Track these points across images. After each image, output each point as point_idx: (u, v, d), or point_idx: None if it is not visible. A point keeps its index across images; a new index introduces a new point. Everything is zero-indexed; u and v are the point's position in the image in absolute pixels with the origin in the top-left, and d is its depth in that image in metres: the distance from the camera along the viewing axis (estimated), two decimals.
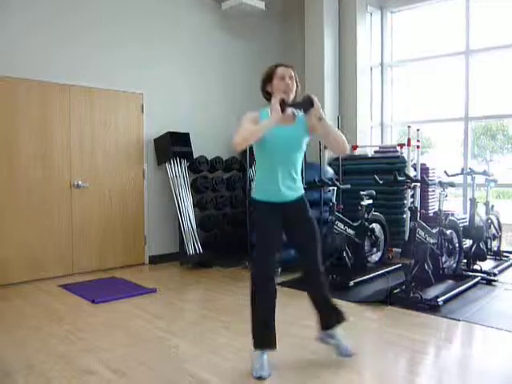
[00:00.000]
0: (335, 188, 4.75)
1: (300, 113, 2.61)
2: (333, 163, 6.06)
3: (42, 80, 4.85)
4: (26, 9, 4.72)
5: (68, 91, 5.06)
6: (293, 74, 2.66)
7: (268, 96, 2.70)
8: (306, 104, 2.51)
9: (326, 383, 2.50)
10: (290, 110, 2.60)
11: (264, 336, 2.61)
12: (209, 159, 6.00)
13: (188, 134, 5.78)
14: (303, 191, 2.75)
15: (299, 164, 2.70)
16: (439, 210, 4.44)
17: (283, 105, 2.51)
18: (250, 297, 2.63)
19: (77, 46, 5.09)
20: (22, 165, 4.77)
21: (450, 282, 4.41)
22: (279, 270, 4.97)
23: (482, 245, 4.95)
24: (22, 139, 4.77)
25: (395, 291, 3.90)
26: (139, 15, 5.60)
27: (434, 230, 4.36)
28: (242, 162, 6.26)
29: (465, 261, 4.84)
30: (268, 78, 2.68)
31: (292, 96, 2.63)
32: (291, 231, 2.75)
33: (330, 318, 2.77)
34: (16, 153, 4.73)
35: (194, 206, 5.80)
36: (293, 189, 2.67)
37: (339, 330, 2.77)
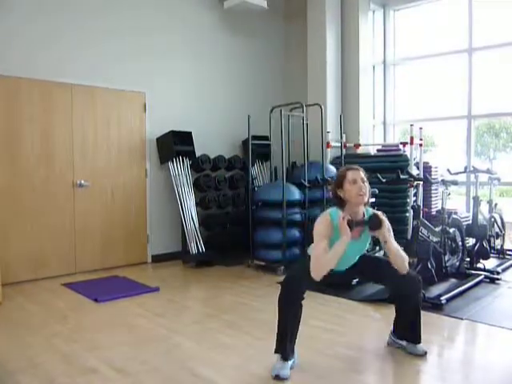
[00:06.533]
0: None
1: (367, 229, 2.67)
2: (335, 162, 6.05)
3: (44, 79, 4.85)
4: (27, 7, 4.72)
5: (70, 90, 5.06)
6: (364, 176, 2.64)
7: (340, 201, 2.66)
8: (374, 225, 2.60)
9: (331, 382, 2.49)
10: (358, 225, 2.62)
11: (281, 346, 2.59)
12: (211, 158, 6.00)
13: (190, 132, 5.78)
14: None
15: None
16: (442, 208, 4.42)
17: (351, 224, 2.54)
18: (278, 305, 2.61)
19: (79, 45, 5.09)
20: (24, 164, 4.78)
21: (453, 280, 4.39)
22: (282, 268, 4.98)
23: (485, 243, 4.94)
24: (25, 139, 4.77)
25: None
26: (141, 13, 5.59)
27: (437, 229, 4.35)
28: (244, 160, 6.26)
29: (468, 259, 4.82)
30: (339, 183, 2.65)
31: (366, 199, 2.62)
32: (362, 276, 3.09)
33: (413, 334, 2.81)
34: (18, 152, 4.74)
35: (197, 204, 5.79)
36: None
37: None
